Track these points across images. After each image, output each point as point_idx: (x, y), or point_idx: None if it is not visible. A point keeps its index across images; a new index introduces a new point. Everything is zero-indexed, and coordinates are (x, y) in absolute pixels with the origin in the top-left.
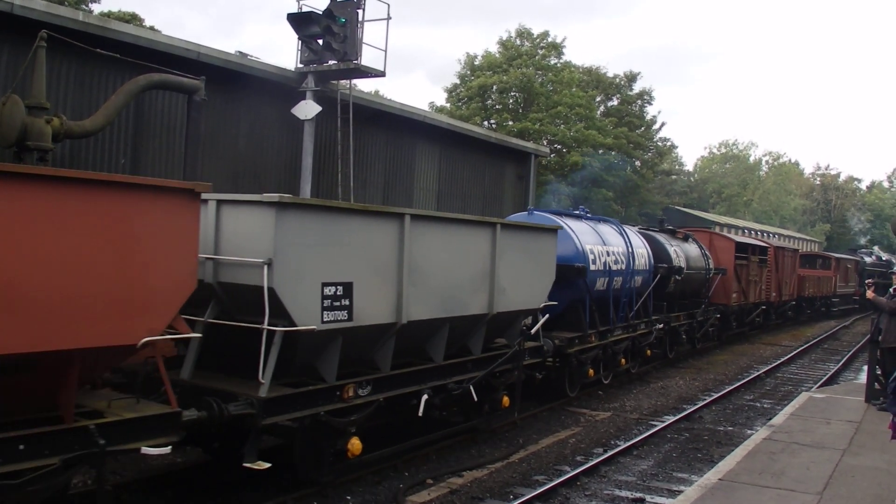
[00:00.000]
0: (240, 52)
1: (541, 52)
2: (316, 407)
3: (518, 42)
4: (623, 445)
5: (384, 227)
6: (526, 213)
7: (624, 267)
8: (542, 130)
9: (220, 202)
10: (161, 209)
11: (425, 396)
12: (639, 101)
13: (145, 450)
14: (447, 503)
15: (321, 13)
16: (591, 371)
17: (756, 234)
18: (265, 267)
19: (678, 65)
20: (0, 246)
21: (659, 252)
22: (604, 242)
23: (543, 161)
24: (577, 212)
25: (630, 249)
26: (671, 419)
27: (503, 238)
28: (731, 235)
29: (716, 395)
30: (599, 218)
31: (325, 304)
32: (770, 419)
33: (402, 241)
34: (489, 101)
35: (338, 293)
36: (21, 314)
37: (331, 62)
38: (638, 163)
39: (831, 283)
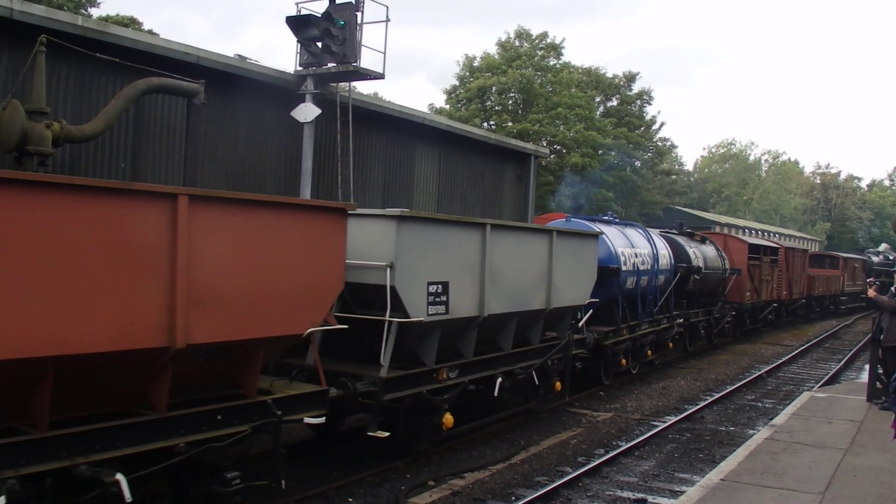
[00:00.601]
0: (239, 56)
1: (540, 52)
2: (420, 386)
3: (517, 43)
4: (625, 446)
5: (471, 234)
6: (564, 219)
7: (649, 267)
8: (542, 131)
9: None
10: (322, 224)
11: (500, 379)
12: (638, 102)
13: (307, 420)
14: None
15: (320, 16)
16: (623, 361)
17: (757, 233)
18: (388, 269)
19: (677, 65)
20: (216, 256)
21: (679, 253)
22: (632, 245)
23: (543, 162)
24: (606, 217)
25: (654, 251)
26: (673, 419)
27: (557, 243)
28: (744, 237)
29: (717, 395)
30: (626, 222)
31: (429, 300)
32: (772, 419)
33: (483, 247)
34: (488, 103)
35: (438, 290)
36: (226, 311)
37: (330, 65)
38: (638, 163)
39: (840, 282)
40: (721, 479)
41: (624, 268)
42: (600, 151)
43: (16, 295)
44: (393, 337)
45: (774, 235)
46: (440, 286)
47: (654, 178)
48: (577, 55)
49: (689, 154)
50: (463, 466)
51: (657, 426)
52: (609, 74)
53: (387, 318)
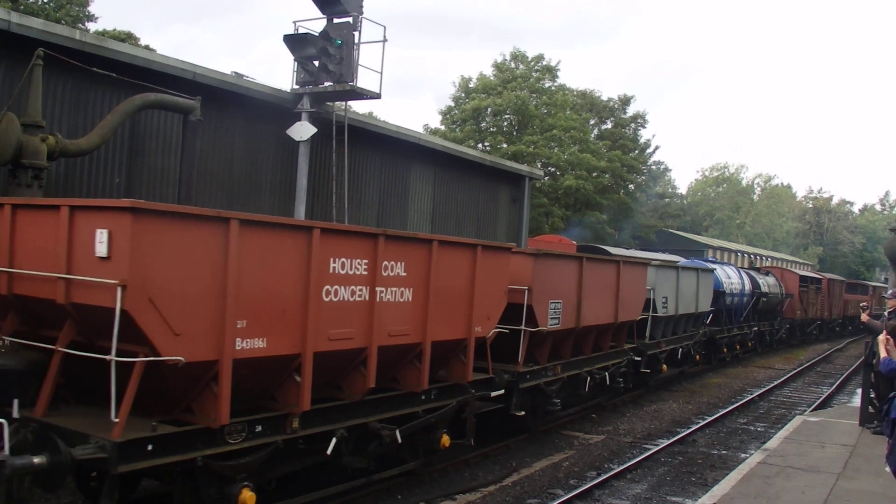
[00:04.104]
0: (235, 73)
1: (535, 74)
2: (653, 350)
3: (512, 65)
4: (616, 469)
5: (671, 272)
6: (688, 259)
7: (738, 291)
8: (536, 153)
9: (623, 262)
10: (642, 269)
11: (681, 350)
12: (632, 125)
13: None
14: None
15: (317, 35)
16: (725, 349)
17: (749, 257)
18: (651, 291)
19: (671, 89)
20: (625, 285)
21: (754, 282)
22: (728, 276)
23: (537, 184)
24: (711, 259)
25: (742, 280)
26: (665, 443)
27: (700, 275)
28: (797, 270)
29: (709, 419)
30: (723, 262)
31: (661, 305)
32: (764, 443)
33: (677, 278)
34: (483, 124)
35: (664, 300)
36: (626, 307)
37: (326, 83)
38: (632, 186)
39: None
40: (714, 503)
41: (726, 290)
42: (594, 174)
43: (593, 302)
44: (649, 326)
45: (767, 259)
46: (666, 298)
47: (648, 202)
48: (574, 78)
49: (683, 177)
50: (454, 488)
51: (649, 449)
52: (604, 97)
53: (650, 314)
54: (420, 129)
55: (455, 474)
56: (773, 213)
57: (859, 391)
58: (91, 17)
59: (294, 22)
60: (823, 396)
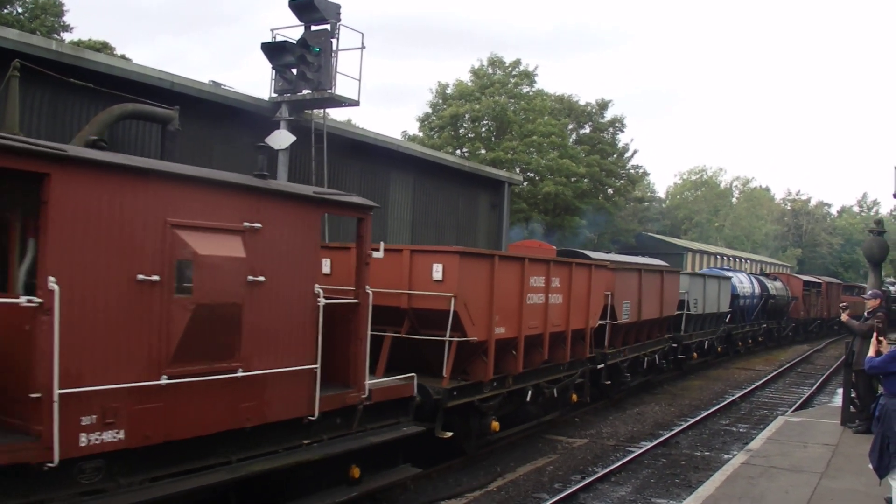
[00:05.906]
0: (213, 82)
1: (513, 80)
2: (687, 341)
3: (490, 70)
4: (601, 472)
5: (700, 279)
6: (707, 270)
7: (750, 294)
8: (515, 159)
9: (665, 271)
10: (676, 279)
11: (707, 343)
12: (610, 129)
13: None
14: None
15: (295, 42)
16: (739, 343)
17: (729, 259)
18: (686, 294)
19: (649, 94)
20: (644, 288)
21: (763, 286)
22: (741, 282)
23: (516, 189)
24: (726, 268)
25: (753, 285)
26: (648, 445)
27: (721, 282)
28: (800, 276)
29: (692, 421)
30: (736, 270)
31: (693, 305)
32: (747, 443)
33: (705, 284)
34: (461, 130)
35: (695, 301)
36: (650, 307)
37: (305, 91)
38: (611, 190)
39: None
40: None
41: (739, 294)
42: (573, 179)
43: (647, 302)
44: (684, 319)
45: (746, 262)
46: (696, 300)
47: (627, 206)
48: (555, 85)
49: (662, 181)
50: (439, 494)
51: (633, 452)
52: (581, 102)
53: (684, 312)
54: (399, 137)
55: (440, 480)
56: (752, 215)
57: (840, 391)
58: (66, 28)
59: (272, 30)
60: (805, 397)
